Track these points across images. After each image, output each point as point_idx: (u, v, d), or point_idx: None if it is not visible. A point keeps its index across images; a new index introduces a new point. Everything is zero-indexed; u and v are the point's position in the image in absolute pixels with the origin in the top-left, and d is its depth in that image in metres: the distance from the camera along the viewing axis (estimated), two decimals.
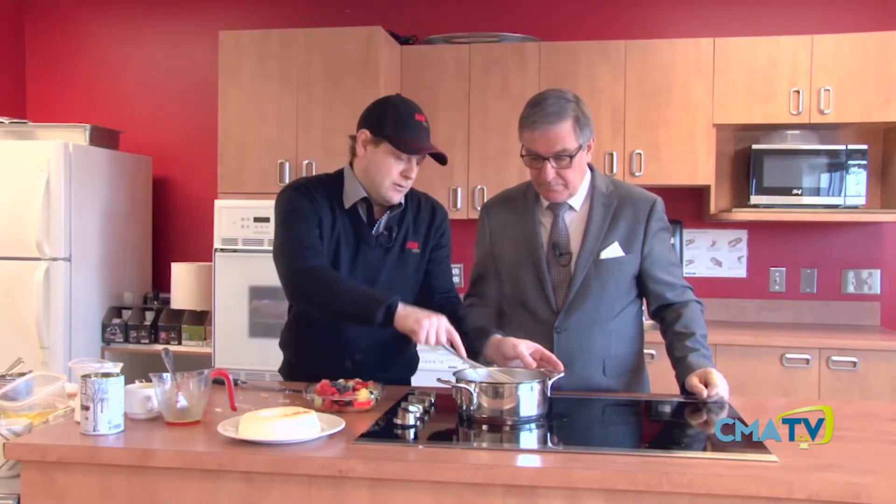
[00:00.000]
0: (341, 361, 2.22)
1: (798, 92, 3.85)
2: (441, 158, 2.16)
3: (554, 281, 2.22)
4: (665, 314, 2.26)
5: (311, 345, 2.29)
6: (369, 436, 1.71)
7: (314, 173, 3.89)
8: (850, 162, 3.82)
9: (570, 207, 2.23)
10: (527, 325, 2.24)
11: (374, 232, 2.22)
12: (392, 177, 2.14)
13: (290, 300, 2.24)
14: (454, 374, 1.92)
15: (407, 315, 1.99)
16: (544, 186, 2.16)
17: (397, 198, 2.19)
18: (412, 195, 2.31)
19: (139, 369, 2.13)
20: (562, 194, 2.18)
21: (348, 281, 2.14)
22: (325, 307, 2.13)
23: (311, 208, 2.17)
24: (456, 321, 2.07)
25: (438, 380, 1.90)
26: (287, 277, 2.15)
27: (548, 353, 2.05)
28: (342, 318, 2.15)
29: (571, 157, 2.11)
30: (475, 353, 2.08)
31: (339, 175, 2.27)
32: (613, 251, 2.20)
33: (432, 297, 2.30)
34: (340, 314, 2.12)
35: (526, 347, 2.04)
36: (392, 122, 2.13)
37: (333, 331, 2.24)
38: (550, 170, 2.12)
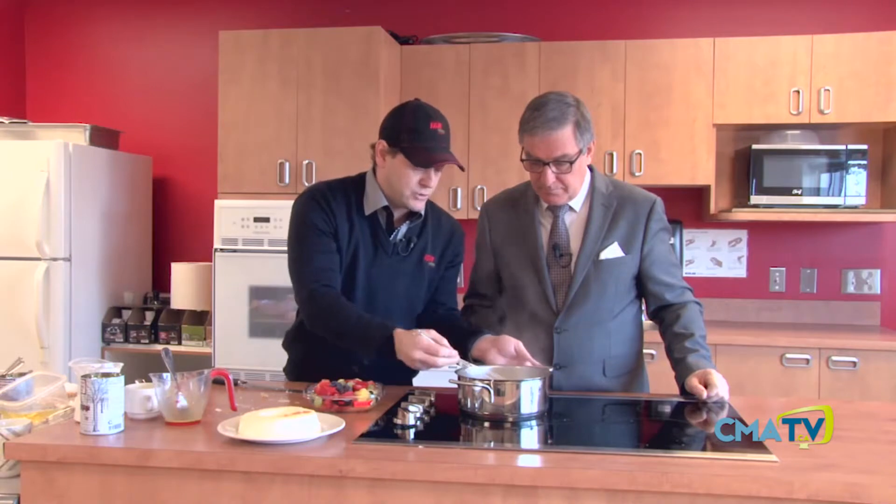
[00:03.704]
0: (348, 366, 2.19)
1: (798, 92, 3.85)
2: (460, 163, 2.17)
3: (554, 282, 2.22)
4: (664, 315, 2.26)
5: (319, 348, 2.25)
6: (369, 436, 1.71)
7: (314, 173, 3.93)
8: (850, 162, 3.82)
9: (570, 208, 2.23)
10: (527, 326, 2.24)
11: (391, 239, 2.23)
12: (411, 186, 2.14)
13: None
14: (456, 371, 1.92)
15: (399, 352, 1.99)
16: (544, 190, 2.16)
17: (419, 206, 2.19)
18: (434, 212, 2.33)
19: (139, 369, 2.13)
20: (561, 198, 2.18)
21: (351, 311, 2.12)
22: (329, 334, 2.15)
23: (325, 220, 2.17)
24: (451, 328, 2.10)
25: (450, 381, 1.90)
26: (298, 300, 2.20)
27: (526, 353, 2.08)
28: (345, 346, 2.16)
29: (572, 162, 2.10)
30: (464, 352, 2.12)
31: (362, 179, 2.27)
32: (613, 252, 2.20)
33: (436, 309, 2.32)
34: (344, 342, 2.14)
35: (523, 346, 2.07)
36: (407, 133, 2.11)
37: None
38: (550, 174, 2.11)
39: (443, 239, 2.31)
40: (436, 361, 1.93)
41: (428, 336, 1.96)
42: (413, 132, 2.11)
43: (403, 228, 2.23)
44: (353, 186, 2.25)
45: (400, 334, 2.00)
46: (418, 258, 2.26)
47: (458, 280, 2.54)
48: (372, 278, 2.22)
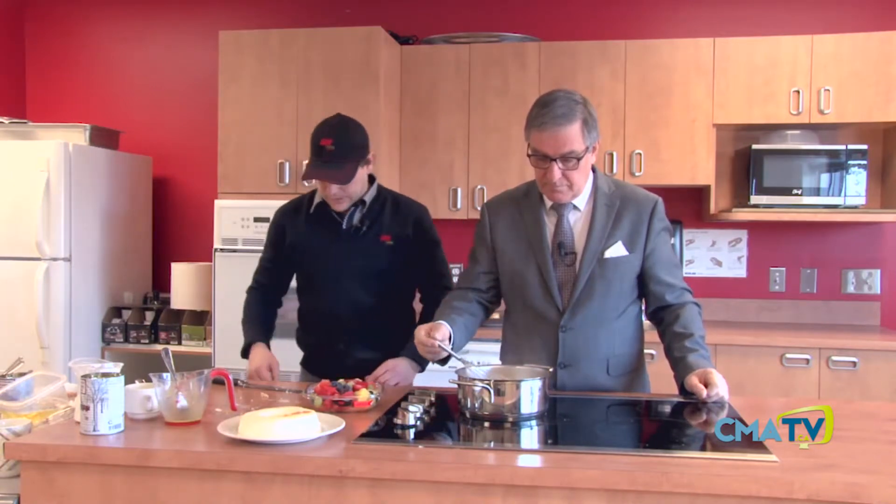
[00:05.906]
0: (335, 343, 2.51)
1: (798, 92, 3.85)
2: (337, 178, 2.38)
3: (559, 280, 2.21)
4: (663, 315, 2.26)
5: (321, 340, 2.58)
6: (369, 436, 1.72)
7: None
8: (850, 162, 3.82)
9: (575, 207, 2.23)
10: (532, 325, 2.24)
11: (344, 226, 2.49)
12: (323, 194, 2.47)
13: None
14: (457, 371, 1.93)
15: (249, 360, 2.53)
16: (549, 187, 2.16)
17: (337, 206, 2.47)
18: (393, 199, 2.58)
19: (139, 369, 2.13)
20: (566, 195, 2.18)
21: (248, 313, 2.64)
22: None
23: (276, 225, 2.62)
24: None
25: (450, 381, 1.91)
26: None
27: None
28: None
29: (578, 158, 2.11)
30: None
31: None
32: (617, 250, 2.20)
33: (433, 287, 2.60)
34: None
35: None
36: (310, 148, 2.41)
37: (321, 319, 2.56)
38: (557, 171, 2.11)
39: (399, 221, 2.54)
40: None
41: (265, 361, 2.45)
42: (311, 148, 2.40)
43: (357, 214, 2.51)
44: (311, 194, 2.59)
45: (254, 349, 2.51)
46: (373, 239, 2.50)
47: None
48: (331, 257, 2.50)
